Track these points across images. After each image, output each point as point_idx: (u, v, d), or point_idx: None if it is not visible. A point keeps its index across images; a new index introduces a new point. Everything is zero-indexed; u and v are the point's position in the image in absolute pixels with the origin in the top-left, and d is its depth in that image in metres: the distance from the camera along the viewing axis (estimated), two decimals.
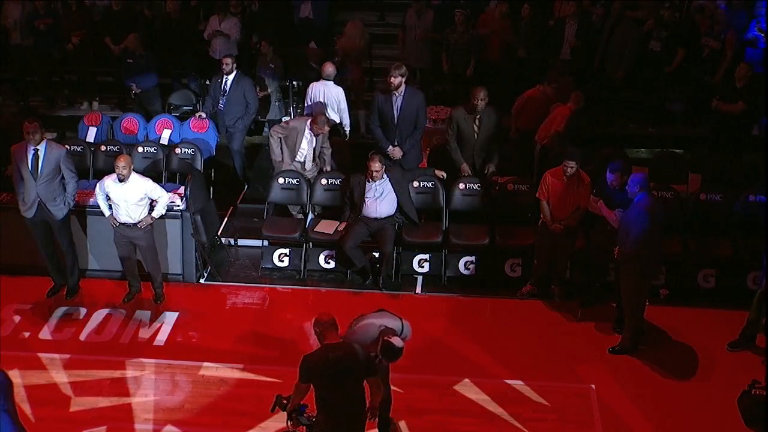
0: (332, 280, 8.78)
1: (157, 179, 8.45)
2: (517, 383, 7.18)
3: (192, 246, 8.55)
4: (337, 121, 9.58)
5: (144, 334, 7.89)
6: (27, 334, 7.88)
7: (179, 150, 9.44)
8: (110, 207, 7.97)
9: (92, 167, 9.45)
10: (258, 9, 12.06)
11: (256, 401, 6.71)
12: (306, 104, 9.73)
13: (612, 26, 11.02)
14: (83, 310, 8.23)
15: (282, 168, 9.07)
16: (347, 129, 9.76)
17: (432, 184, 8.84)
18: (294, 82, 11.34)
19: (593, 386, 7.17)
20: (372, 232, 8.49)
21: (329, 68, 9.53)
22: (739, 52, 10.66)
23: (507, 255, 8.65)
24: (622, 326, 7.63)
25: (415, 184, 8.81)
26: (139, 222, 7.90)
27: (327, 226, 8.69)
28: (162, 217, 8.09)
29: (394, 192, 8.48)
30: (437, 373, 7.25)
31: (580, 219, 7.98)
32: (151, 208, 7.98)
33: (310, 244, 8.78)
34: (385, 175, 8.41)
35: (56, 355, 7.56)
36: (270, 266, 8.89)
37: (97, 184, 7.97)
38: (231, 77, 9.76)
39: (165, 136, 9.99)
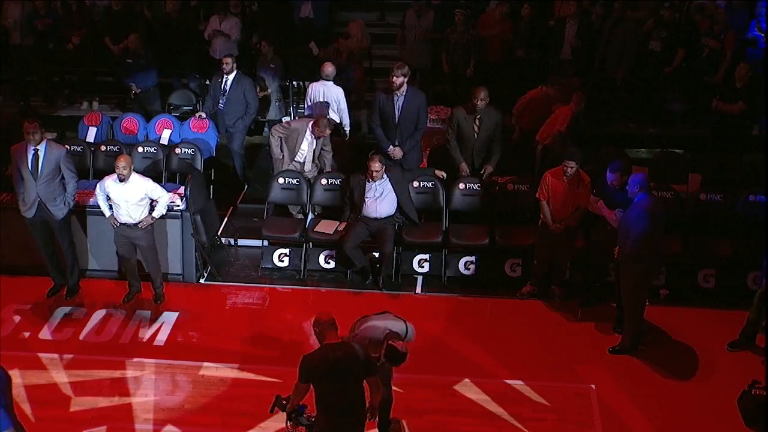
0: (332, 280, 8.78)
1: (157, 179, 8.45)
2: (517, 383, 7.19)
3: (192, 246, 8.55)
4: (337, 121, 9.57)
5: (144, 334, 7.89)
6: (27, 334, 7.88)
7: (179, 150, 9.44)
8: (111, 207, 7.97)
9: (92, 167, 9.45)
10: (258, 9, 12.06)
11: (256, 401, 6.71)
12: (306, 104, 9.75)
13: (612, 26, 11.02)
14: (83, 310, 8.23)
15: (282, 167, 9.07)
16: (347, 129, 9.76)
17: (432, 184, 8.84)
18: (294, 82, 11.34)
19: (593, 386, 7.17)
20: (372, 232, 8.49)
21: (329, 68, 9.53)
22: (739, 52, 10.66)
23: (507, 255, 8.65)
24: (622, 326, 7.63)
25: (415, 184, 8.81)
26: (140, 222, 7.90)
27: (327, 226, 8.69)
28: (162, 217, 8.09)
29: (394, 192, 8.48)
30: (437, 373, 7.25)
31: (580, 219, 7.98)
32: (152, 208, 7.98)
33: (310, 244, 8.78)
34: (385, 175, 8.41)
35: (56, 355, 7.56)
36: (270, 266, 8.89)
37: (98, 185, 7.97)
38: (231, 77, 9.77)
39: (165, 136, 10.00)
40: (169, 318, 8.11)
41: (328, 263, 8.83)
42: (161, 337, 7.84)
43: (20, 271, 8.56)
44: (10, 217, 8.36)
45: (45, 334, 7.91)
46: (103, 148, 9.51)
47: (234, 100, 9.78)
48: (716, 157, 9.44)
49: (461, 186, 8.79)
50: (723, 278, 8.38)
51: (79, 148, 9.44)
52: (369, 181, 8.40)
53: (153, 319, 8.09)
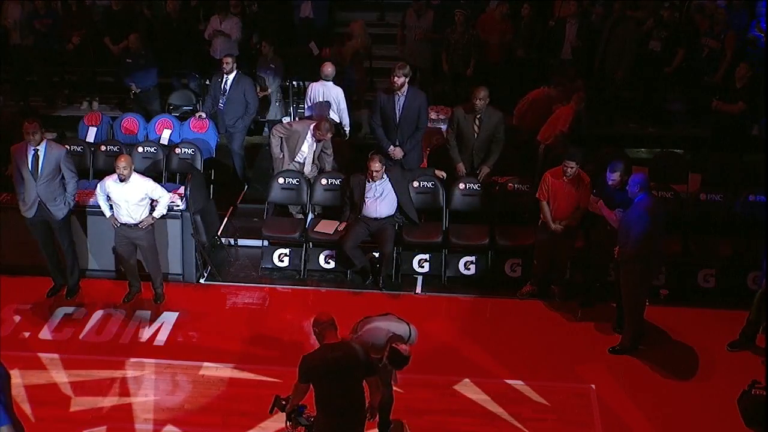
0: (332, 280, 8.78)
1: (157, 179, 8.45)
2: (517, 383, 7.18)
3: (192, 246, 8.55)
4: (337, 121, 9.57)
5: (144, 334, 7.89)
6: (27, 334, 7.88)
7: (179, 150, 9.44)
8: (111, 207, 7.97)
9: (92, 167, 9.45)
10: (258, 9, 12.06)
11: (256, 401, 6.71)
12: (306, 105, 9.74)
13: (612, 26, 11.02)
14: (83, 310, 8.23)
15: (282, 166, 9.07)
16: (347, 129, 9.76)
17: (432, 184, 8.84)
18: (294, 82, 11.34)
19: (593, 386, 7.17)
20: (372, 232, 8.49)
21: (328, 68, 9.52)
22: (739, 52, 10.65)
23: (507, 255, 8.65)
24: (622, 326, 7.63)
25: (415, 184, 8.81)
26: (140, 222, 7.90)
27: (327, 226, 8.69)
28: (162, 217, 8.09)
29: (394, 192, 8.48)
30: (437, 373, 7.24)
31: (580, 219, 7.98)
32: (152, 208, 7.98)
33: (310, 244, 8.78)
34: (385, 175, 8.41)
35: (56, 355, 7.56)
36: (270, 266, 8.89)
37: (98, 185, 7.97)
38: (231, 77, 9.76)
39: (165, 136, 10.00)
40: (169, 318, 8.11)
41: (328, 263, 8.83)
42: (161, 337, 7.84)
43: (20, 271, 8.57)
44: (10, 217, 8.36)
45: (45, 334, 7.91)
46: (103, 148, 9.52)
47: (234, 100, 9.78)
48: (716, 157, 9.43)
49: (461, 186, 8.79)
50: (723, 278, 8.38)
51: (79, 148, 9.45)
52: (369, 181, 8.40)
53: (153, 319, 8.09)
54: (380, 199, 8.42)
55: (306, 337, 7.50)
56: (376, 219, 8.46)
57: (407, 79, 8.73)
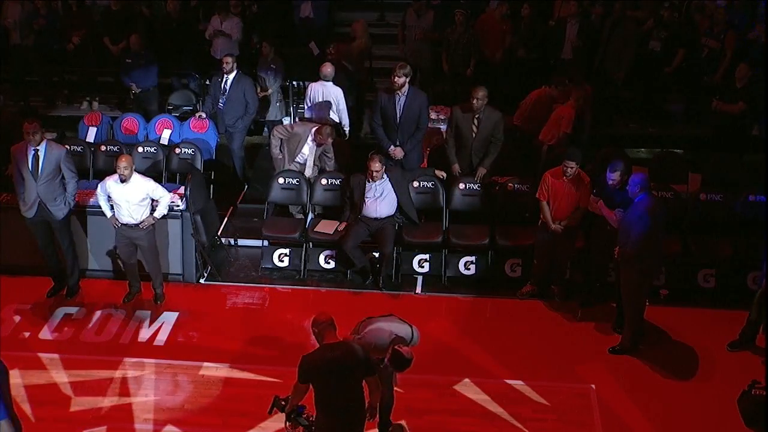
0: (332, 280, 8.78)
1: (157, 179, 8.44)
2: (517, 383, 7.18)
3: (192, 246, 8.55)
4: (337, 121, 9.57)
5: (144, 334, 7.89)
6: (27, 334, 7.88)
7: (179, 150, 9.44)
8: (112, 208, 7.97)
9: (92, 167, 9.45)
10: (258, 9, 12.06)
11: (256, 401, 6.70)
12: (306, 105, 9.74)
13: (612, 26, 11.02)
14: (83, 310, 8.23)
15: (282, 166, 9.07)
16: (347, 129, 9.75)
17: (432, 184, 8.84)
18: (294, 83, 11.34)
19: (593, 386, 7.17)
20: (372, 232, 8.49)
21: (328, 69, 9.51)
22: (739, 52, 10.65)
23: (507, 255, 8.65)
24: (622, 326, 7.62)
25: (415, 184, 8.81)
26: (141, 222, 7.90)
27: (327, 226, 8.69)
28: (162, 217, 8.08)
29: (394, 192, 8.48)
30: (437, 373, 7.24)
31: (580, 219, 7.98)
32: (153, 208, 7.98)
33: (310, 244, 8.78)
34: (385, 175, 8.41)
35: (56, 355, 7.56)
36: (270, 266, 8.89)
37: (99, 185, 7.97)
38: (231, 77, 9.76)
39: (165, 136, 10.00)
40: (169, 318, 8.11)
41: (328, 263, 8.83)
42: (161, 337, 7.84)
43: (20, 271, 8.57)
44: (10, 217, 8.36)
45: (45, 334, 7.91)
46: (103, 148, 9.52)
47: (234, 99, 9.78)
48: (716, 157, 9.43)
49: (461, 186, 8.79)
50: (723, 278, 8.38)
51: (79, 148, 9.45)
52: (369, 181, 8.40)
53: (153, 319, 8.09)
54: (380, 199, 8.42)
55: (306, 337, 7.48)
56: (376, 219, 8.46)
57: (408, 79, 8.73)
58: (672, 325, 7.89)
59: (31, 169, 7.83)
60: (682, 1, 11.73)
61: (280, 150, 9.07)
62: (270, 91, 10.78)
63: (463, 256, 8.69)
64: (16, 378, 7.07)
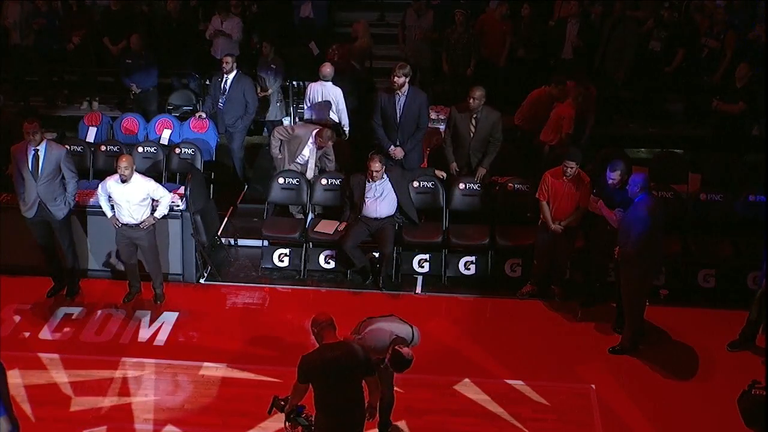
0: (332, 280, 8.78)
1: (157, 179, 8.44)
2: (517, 383, 7.18)
3: (192, 246, 8.55)
4: (336, 122, 9.57)
5: (144, 334, 7.88)
6: (27, 334, 7.88)
7: (179, 150, 9.44)
8: (112, 208, 7.97)
9: (92, 167, 9.45)
10: (258, 9, 12.05)
11: (256, 401, 6.70)
12: (306, 105, 9.74)
13: (612, 26, 11.02)
14: (83, 310, 8.23)
15: (282, 166, 9.07)
16: (346, 129, 9.75)
17: (432, 184, 8.84)
18: (294, 83, 11.34)
19: (593, 386, 7.17)
20: (372, 232, 8.49)
21: (327, 69, 9.51)
22: (739, 52, 10.65)
23: (507, 255, 8.65)
24: (622, 326, 7.62)
25: (415, 184, 8.81)
26: (142, 222, 7.90)
27: (327, 226, 8.69)
28: (162, 217, 8.08)
29: (394, 192, 8.48)
30: (437, 373, 7.24)
31: (580, 219, 7.98)
32: (153, 208, 7.98)
33: (310, 244, 8.78)
34: (385, 175, 8.41)
35: (56, 355, 7.56)
36: (270, 266, 8.89)
37: (100, 185, 7.97)
38: (231, 76, 9.76)
39: (165, 136, 10.00)
40: (169, 318, 8.11)
41: (328, 263, 8.83)
42: (161, 337, 7.84)
43: (20, 271, 8.57)
44: (10, 217, 8.36)
45: (45, 334, 7.91)
46: (103, 148, 9.52)
47: (234, 99, 9.78)
48: (716, 157, 9.43)
49: (461, 186, 8.79)
50: (723, 278, 8.38)
51: (79, 148, 9.45)
52: (369, 181, 8.40)
53: (153, 319, 8.08)
54: (380, 199, 8.42)
55: (306, 337, 7.46)
56: (376, 219, 8.46)
57: (407, 79, 8.73)
58: (672, 325, 7.89)
59: (31, 169, 7.83)
60: (682, 1, 11.73)
61: (280, 150, 9.07)
62: (270, 91, 10.79)
63: (463, 256, 8.69)
64: (16, 378, 7.07)
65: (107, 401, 7.00)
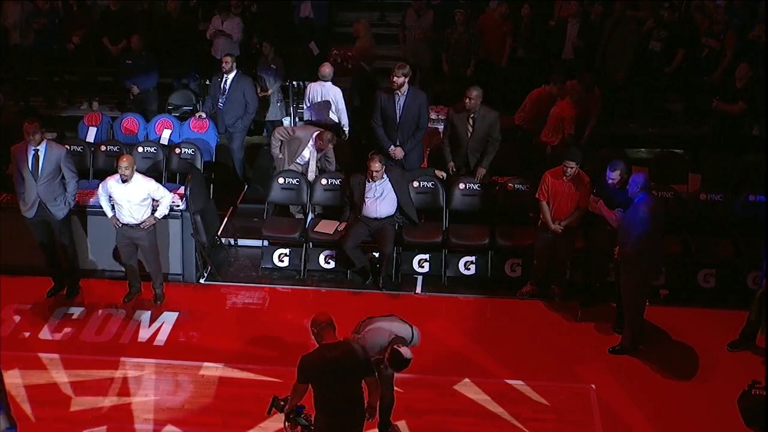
0: (332, 280, 8.78)
1: (157, 179, 8.44)
2: (517, 383, 7.18)
3: (192, 246, 8.56)
4: (336, 122, 9.57)
5: (144, 334, 7.89)
6: (27, 334, 7.88)
7: (179, 150, 9.45)
8: (113, 208, 7.97)
9: (92, 167, 9.45)
10: (258, 9, 12.05)
11: (256, 401, 6.70)
12: (305, 105, 9.74)
13: (612, 26, 11.02)
14: (83, 310, 8.23)
15: (282, 166, 9.07)
16: (346, 129, 9.75)
17: (432, 184, 8.84)
18: (294, 83, 11.34)
19: (593, 386, 7.17)
20: (372, 232, 8.49)
21: (326, 69, 9.51)
22: (739, 52, 10.65)
23: (507, 255, 8.65)
24: (622, 326, 7.62)
25: (415, 184, 8.81)
26: (142, 222, 7.90)
27: (327, 226, 8.69)
28: (163, 217, 8.08)
29: (394, 192, 8.48)
30: (437, 373, 7.24)
31: (580, 219, 7.98)
32: (154, 208, 7.98)
33: (310, 244, 8.78)
34: (385, 175, 8.41)
35: (56, 355, 7.56)
36: (270, 266, 8.89)
37: (100, 185, 7.97)
38: (231, 76, 9.76)
39: (165, 136, 10.00)
40: (169, 318, 8.11)
41: (328, 263, 8.83)
42: (161, 337, 7.84)
43: (20, 271, 8.56)
44: (10, 217, 8.36)
45: (45, 334, 7.90)
46: (103, 148, 9.52)
47: (233, 99, 9.77)
48: (716, 157, 9.43)
49: (461, 186, 8.79)
50: (723, 278, 8.38)
51: (79, 148, 9.45)
52: (369, 181, 8.40)
53: (153, 319, 8.08)
54: (380, 199, 8.42)
55: (306, 337, 7.44)
56: (376, 219, 8.46)
57: (407, 79, 8.73)
58: (672, 325, 7.89)
59: (31, 169, 7.83)
60: (682, 1, 11.72)
61: (281, 150, 9.07)
62: (270, 91, 10.78)
63: (463, 256, 8.69)
64: (16, 378, 7.08)
65: (107, 401, 7.00)
